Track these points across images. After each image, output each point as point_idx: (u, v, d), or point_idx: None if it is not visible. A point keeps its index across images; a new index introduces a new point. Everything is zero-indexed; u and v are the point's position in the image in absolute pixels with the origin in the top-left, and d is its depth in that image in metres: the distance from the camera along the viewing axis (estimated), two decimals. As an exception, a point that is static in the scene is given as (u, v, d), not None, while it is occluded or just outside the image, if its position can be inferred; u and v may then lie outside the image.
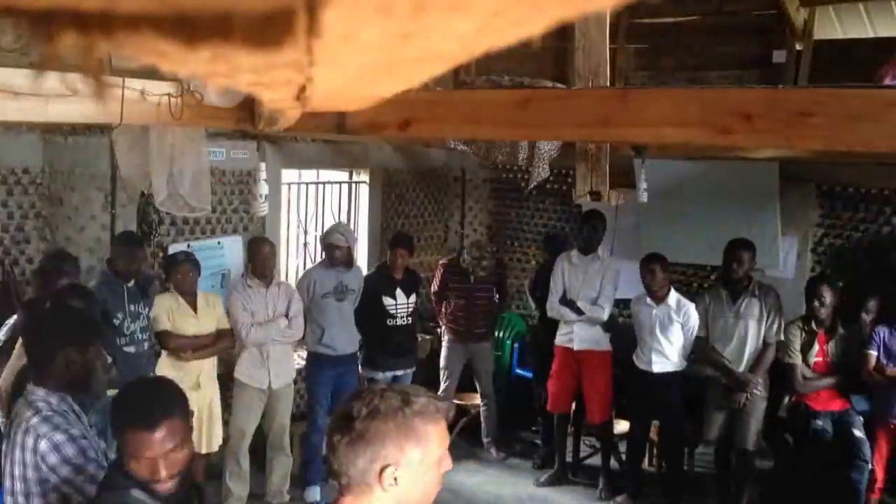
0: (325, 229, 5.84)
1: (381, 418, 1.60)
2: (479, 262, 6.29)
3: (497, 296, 6.48)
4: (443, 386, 6.40)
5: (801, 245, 6.30)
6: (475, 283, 6.30)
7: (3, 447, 2.58)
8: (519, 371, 6.97)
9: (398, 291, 5.86)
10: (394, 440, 1.60)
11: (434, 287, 6.49)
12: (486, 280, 6.36)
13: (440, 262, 6.65)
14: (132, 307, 4.65)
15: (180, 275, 4.83)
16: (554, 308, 5.86)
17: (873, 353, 5.17)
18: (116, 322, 4.55)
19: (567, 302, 5.77)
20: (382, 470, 1.60)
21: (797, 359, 5.22)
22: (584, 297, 5.76)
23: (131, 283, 4.69)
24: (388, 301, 5.82)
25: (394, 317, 5.81)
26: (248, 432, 5.27)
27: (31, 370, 2.65)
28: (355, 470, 1.61)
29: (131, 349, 4.62)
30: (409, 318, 5.94)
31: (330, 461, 1.67)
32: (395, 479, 1.61)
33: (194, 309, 4.90)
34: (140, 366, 4.59)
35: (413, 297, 5.93)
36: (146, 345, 4.75)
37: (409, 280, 5.95)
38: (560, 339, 5.88)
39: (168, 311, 4.84)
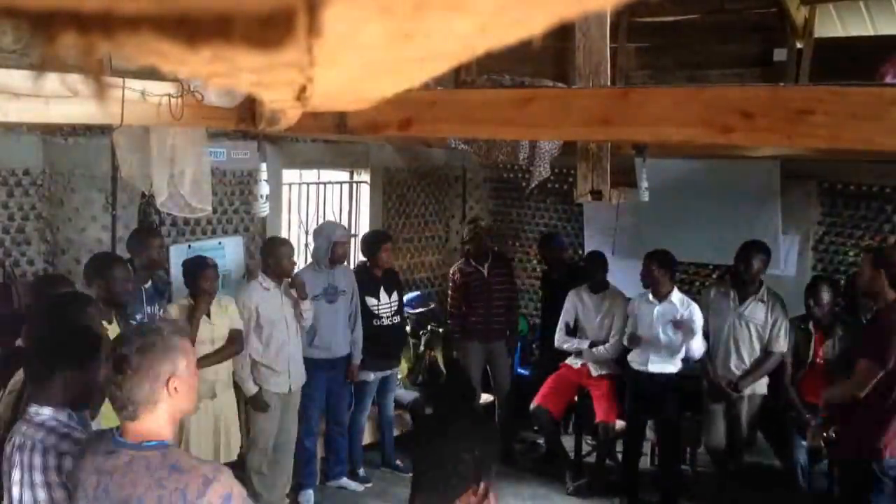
0: (320, 227, 5.69)
1: (150, 346, 2.04)
2: (477, 238, 6.29)
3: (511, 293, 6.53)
4: None
5: (803, 243, 6.29)
6: (489, 278, 6.31)
7: (15, 475, 2.43)
8: (520, 371, 6.96)
9: (381, 291, 5.79)
10: (168, 357, 2.05)
11: (451, 291, 6.48)
12: (502, 275, 6.40)
13: (454, 266, 6.62)
14: (150, 308, 4.63)
15: (208, 280, 4.75)
16: (560, 341, 6.00)
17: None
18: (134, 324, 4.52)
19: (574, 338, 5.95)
20: (168, 381, 2.04)
21: (787, 355, 5.24)
22: (596, 335, 5.88)
23: (148, 285, 4.66)
24: (371, 301, 5.74)
25: (380, 317, 5.73)
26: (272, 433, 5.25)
27: (32, 390, 2.55)
28: (142, 393, 2.02)
29: None
30: (397, 318, 5.88)
31: (114, 399, 2.06)
32: (175, 387, 2.05)
33: (208, 314, 4.83)
34: None
35: (395, 296, 5.86)
36: None
37: (391, 279, 5.87)
38: (570, 360, 6.02)
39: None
